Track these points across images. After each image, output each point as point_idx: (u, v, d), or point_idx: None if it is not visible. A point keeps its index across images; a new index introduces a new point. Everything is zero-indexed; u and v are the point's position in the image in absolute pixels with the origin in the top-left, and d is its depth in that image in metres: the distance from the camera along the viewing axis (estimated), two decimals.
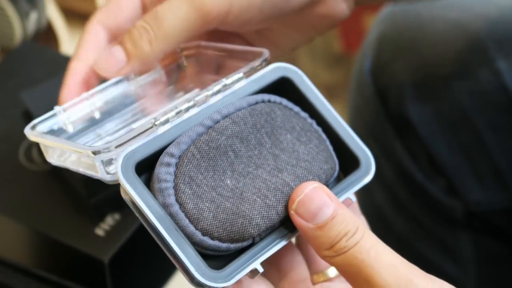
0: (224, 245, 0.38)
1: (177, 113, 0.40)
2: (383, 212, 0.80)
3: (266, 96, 0.42)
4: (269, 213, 0.38)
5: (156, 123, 0.39)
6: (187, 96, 0.48)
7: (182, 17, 0.44)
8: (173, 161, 0.38)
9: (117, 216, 0.60)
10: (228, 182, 0.39)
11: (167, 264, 0.60)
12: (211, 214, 0.38)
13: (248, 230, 0.38)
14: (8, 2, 0.77)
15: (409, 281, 0.35)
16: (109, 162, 0.39)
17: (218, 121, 0.40)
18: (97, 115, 0.47)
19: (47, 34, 0.84)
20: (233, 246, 0.38)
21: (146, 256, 0.62)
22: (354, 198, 0.42)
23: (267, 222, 0.38)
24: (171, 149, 0.38)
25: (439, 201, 0.72)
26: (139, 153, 0.38)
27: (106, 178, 0.39)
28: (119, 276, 0.59)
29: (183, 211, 0.38)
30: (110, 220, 0.60)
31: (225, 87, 0.42)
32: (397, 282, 0.35)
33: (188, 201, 0.38)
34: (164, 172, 0.38)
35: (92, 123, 0.47)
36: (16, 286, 0.59)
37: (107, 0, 0.49)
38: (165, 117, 0.39)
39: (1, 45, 0.81)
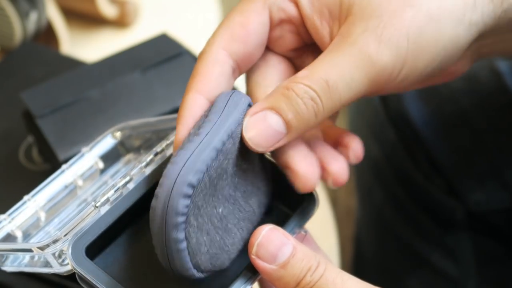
0: (202, 276, 0.38)
1: (115, 191, 0.40)
2: (382, 213, 0.80)
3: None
4: (244, 247, 0.39)
5: (97, 205, 0.39)
6: (123, 172, 0.48)
7: (356, 87, 0.38)
8: (191, 192, 0.36)
9: None
10: (220, 210, 0.39)
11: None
12: (206, 248, 0.37)
13: (225, 264, 0.39)
14: (8, 2, 0.77)
15: None
16: (60, 254, 0.39)
17: (224, 143, 0.37)
18: (42, 215, 0.47)
19: (47, 34, 0.84)
20: (204, 275, 0.38)
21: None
22: (306, 230, 0.42)
23: (240, 255, 0.40)
24: (191, 178, 0.35)
25: (439, 201, 0.72)
26: (86, 238, 0.38)
27: (63, 270, 0.39)
28: None
29: (187, 247, 0.37)
30: None
31: (157, 155, 0.42)
32: None
33: (193, 235, 0.37)
34: (183, 205, 0.35)
35: (39, 223, 0.47)
36: (16, 286, 0.59)
37: (227, 20, 0.42)
38: (105, 198, 0.39)
39: (1, 45, 0.81)
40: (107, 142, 0.50)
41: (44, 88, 0.62)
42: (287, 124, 0.38)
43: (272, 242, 0.37)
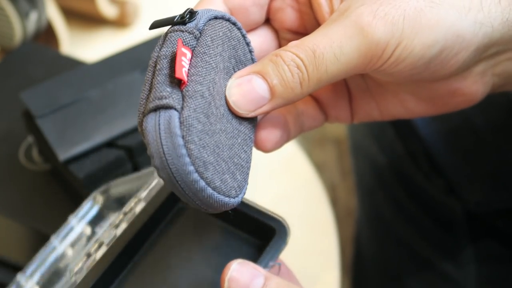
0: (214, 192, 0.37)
1: (89, 257, 0.40)
2: (382, 213, 0.80)
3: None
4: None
5: (72, 275, 0.40)
6: (96, 238, 0.48)
7: (345, 59, 0.37)
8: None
9: None
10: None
11: None
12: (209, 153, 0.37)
13: (239, 180, 0.39)
14: (8, 2, 0.77)
15: None
16: None
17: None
18: None
19: (47, 34, 0.84)
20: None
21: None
22: (280, 263, 0.42)
23: None
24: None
25: (439, 201, 0.72)
26: None
27: None
28: None
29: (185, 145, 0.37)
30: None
31: (126, 215, 0.42)
32: None
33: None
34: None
35: None
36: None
37: None
38: (79, 266, 0.40)
39: (1, 45, 0.81)
40: (91, 208, 0.52)
41: (44, 88, 0.62)
42: (271, 89, 0.38)
43: (242, 276, 0.37)
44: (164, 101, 0.35)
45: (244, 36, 0.40)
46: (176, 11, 1.05)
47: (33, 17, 0.79)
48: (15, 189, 0.62)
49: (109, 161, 0.58)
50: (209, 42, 0.37)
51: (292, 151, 0.77)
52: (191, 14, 0.38)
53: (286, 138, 0.44)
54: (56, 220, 0.60)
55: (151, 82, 0.36)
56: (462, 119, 0.70)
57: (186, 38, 0.37)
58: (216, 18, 0.39)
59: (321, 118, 0.47)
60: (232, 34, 0.39)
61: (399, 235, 0.77)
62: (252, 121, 0.40)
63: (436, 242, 0.74)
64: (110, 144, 0.59)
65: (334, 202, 1.43)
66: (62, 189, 0.61)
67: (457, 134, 0.71)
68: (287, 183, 0.74)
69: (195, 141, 0.35)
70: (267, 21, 0.44)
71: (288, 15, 0.43)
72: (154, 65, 0.37)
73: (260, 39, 0.44)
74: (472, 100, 0.45)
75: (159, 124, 0.34)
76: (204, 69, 0.36)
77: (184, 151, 0.34)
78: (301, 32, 0.44)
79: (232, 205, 0.37)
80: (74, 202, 0.60)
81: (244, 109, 0.38)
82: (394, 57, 0.38)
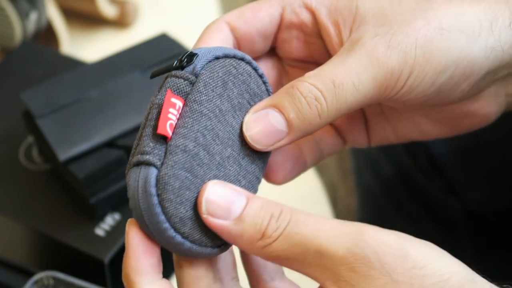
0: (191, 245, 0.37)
1: None
2: (382, 213, 0.80)
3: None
4: None
5: None
6: None
7: (363, 89, 0.37)
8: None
9: (117, 216, 0.60)
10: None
11: (166, 263, 0.60)
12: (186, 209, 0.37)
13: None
14: (8, 2, 0.77)
15: (360, 232, 0.33)
16: None
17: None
18: None
19: (47, 34, 0.84)
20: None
21: None
22: None
23: None
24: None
25: (439, 201, 0.72)
26: None
27: None
28: (119, 276, 0.59)
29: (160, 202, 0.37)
30: (110, 220, 0.60)
31: None
32: (350, 239, 0.33)
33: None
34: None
35: None
36: (16, 286, 0.59)
37: (241, 6, 0.42)
38: None
39: (1, 45, 0.81)
40: None
41: (44, 88, 0.62)
42: (289, 123, 0.37)
43: (222, 196, 0.35)
44: (145, 157, 0.35)
45: (255, 69, 0.40)
46: (176, 11, 1.05)
47: (33, 17, 0.79)
48: (15, 189, 0.62)
49: (109, 161, 0.58)
50: (201, 88, 0.37)
51: None
52: (190, 57, 0.38)
53: (300, 168, 0.44)
54: (56, 220, 0.60)
55: (141, 133, 0.36)
56: None
57: (180, 85, 0.37)
58: (217, 58, 0.38)
59: (340, 143, 0.47)
60: (240, 70, 0.39)
61: None
62: (265, 160, 0.40)
63: (436, 242, 0.74)
64: (110, 144, 0.59)
65: (334, 202, 1.43)
66: (62, 189, 0.61)
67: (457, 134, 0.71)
68: (287, 183, 0.74)
69: (170, 199, 0.35)
70: (272, 49, 0.44)
71: (294, 46, 0.44)
72: (148, 112, 0.37)
73: (264, 66, 0.44)
74: (487, 121, 0.45)
75: (138, 181, 0.35)
76: (191, 119, 0.36)
77: (158, 209, 0.34)
78: (308, 61, 0.44)
79: (219, 253, 0.37)
80: (74, 202, 0.61)
81: (262, 144, 0.37)
82: (407, 86, 0.39)
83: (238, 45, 0.42)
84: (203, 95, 0.37)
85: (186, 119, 0.36)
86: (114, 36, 0.92)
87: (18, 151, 0.64)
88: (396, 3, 0.40)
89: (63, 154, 0.57)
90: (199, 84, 0.37)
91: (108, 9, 0.90)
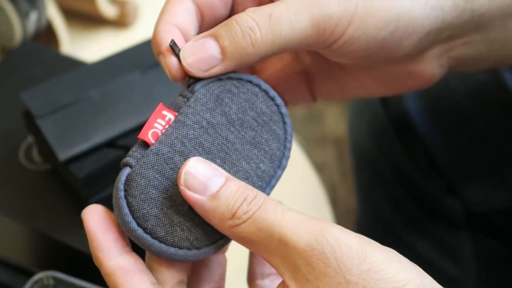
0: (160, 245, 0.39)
1: None
2: (382, 213, 0.80)
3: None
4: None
5: None
6: None
7: (300, 27, 0.39)
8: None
9: None
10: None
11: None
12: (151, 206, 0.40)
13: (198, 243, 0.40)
14: (8, 2, 0.77)
15: (323, 229, 0.34)
16: None
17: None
18: None
19: (47, 34, 0.84)
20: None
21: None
22: None
23: None
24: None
25: (439, 201, 0.72)
26: None
27: None
28: None
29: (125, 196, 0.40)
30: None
31: None
32: (312, 234, 0.34)
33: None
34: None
35: None
36: (16, 286, 0.59)
37: None
38: None
39: (1, 45, 0.81)
40: None
41: (44, 88, 0.62)
42: (223, 50, 0.39)
43: (201, 171, 0.36)
44: (125, 159, 0.39)
45: (266, 91, 0.41)
46: None
47: (33, 17, 0.79)
48: (15, 189, 0.62)
49: (109, 161, 0.58)
50: (190, 102, 0.39)
51: (292, 151, 0.77)
52: (195, 78, 0.40)
53: None
54: (56, 220, 0.60)
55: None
56: (462, 118, 0.70)
57: (178, 101, 0.40)
58: (220, 79, 0.40)
59: None
60: (243, 89, 0.40)
61: (398, 234, 0.77)
62: (266, 179, 0.41)
63: (436, 242, 0.74)
64: (110, 144, 0.59)
65: (334, 202, 1.43)
66: (62, 189, 0.61)
67: (457, 134, 0.71)
68: (287, 183, 0.74)
69: (134, 194, 0.38)
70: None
71: (249, 7, 0.44)
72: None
73: None
74: (429, 82, 0.47)
75: (116, 180, 0.39)
76: (172, 128, 0.39)
77: (123, 202, 0.38)
78: None
79: (186, 256, 0.38)
80: (74, 202, 0.61)
81: (196, 68, 0.39)
82: (347, 35, 0.40)
83: (201, 13, 0.43)
84: (190, 108, 0.39)
85: (168, 128, 0.39)
86: (114, 36, 0.92)
87: (18, 151, 0.64)
88: None
89: (63, 154, 0.57)
90: (191, 99, 0.39)
91: (108, 9, 0.90)
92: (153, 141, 0.38)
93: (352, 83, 0.48)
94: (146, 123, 0.38)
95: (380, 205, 0.80)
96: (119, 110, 0.61)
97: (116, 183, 0.38)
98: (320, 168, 1.45)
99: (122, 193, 0.38)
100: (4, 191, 0.61)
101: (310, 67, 0.49)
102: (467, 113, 0.70)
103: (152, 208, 0.37)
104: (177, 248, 0.37)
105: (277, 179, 0.41)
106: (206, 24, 0.44)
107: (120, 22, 0.92)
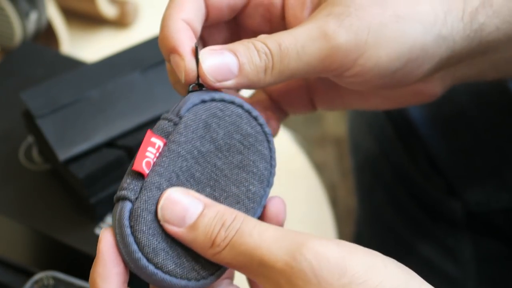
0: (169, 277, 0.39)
1: None
2: (382, 213, 0.80)
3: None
4: None
5: None
6: None
7: (307, 59, 0.40)
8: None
9: None
10: None
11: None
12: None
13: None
14: (8, 2, 0.77)
15: (301, 245, 0.34)
16: None
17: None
18: None
19: (47, 34, 0.84)
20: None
21: None
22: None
23: None
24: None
25: (439, 201, 0.72)
26: None
27: None
28: None
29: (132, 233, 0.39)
30: (110, 220, 0.60)
31: None
32: (289, 252, 0.34)
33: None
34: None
35: None
36: (16, 286, 0.59)
37: None
38: None
39: (1, 45, 0.81)
40: None
41: (44, 88, 0.62)
42: (240, 66, 0.39)
43: (178, 204, 0.36)
44: (122, 193, 0.38)
45: (248, 111, 0.41)
46: None
47: (33, 17, 0.79)
48: (15, 189, 0.62)
49: (109, 161, 0.58)
50: (181, 130, 0.39)
51: (292, 151, 0.77)
52: (199, 87, 0.40)
53: None
54: (56, 220, 0.60)
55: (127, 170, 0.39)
56: (462, 118, 0.70)
57: (164, 126, 0.39)
58: (203, 101, 0.40)
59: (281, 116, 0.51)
60: (227, 112, 0.40)
61: (398, 234, 0.77)
62: (254, 201, 0.40)
63: (436, 242, 0.74)
64: (110, 144, 0.59)
65: (334, 202, 1.43)
66: (62, 189, 0.61)
67: (457, 134, 0.71)
68: (287, 183, 0.74)
69: (142, 230, 0.37)
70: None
71: (257, 22, 0.46)
72: (136, 151, 0.39)
73: (219, 28, 0.47)
74: (432, 98, 0.48)
75: (116, 214, 0.37)
76: (168, 159, 0.38)
77: (131, 239, 0.37)
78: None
79: (195, 286, 0.38)
80: (74, 202, 0.60)
81: (212, 76, 0.39)
82: (358, 67, 0.41)
83: (207, 14, 0.43)
84: (182, 136, 0.39)
85: (164, 159, 0.38)
86: (114, 36, 0.92)
87: (18, 151, 0.64)
88: None
89: (63, 154, 0.57)
90: (180, 126, 0.39)
91: (108, 9, 0.90)
92: (147, 171, 0.38)
93: (355, 98, 0.49)
94: (138, 153, 0.38)
95: (380, 205, 0.80)
96: (119, 110, 0.61)
97: (120, 219, 0.37)
98: (320, 168, 1.45)
99: (128, 230, 0.37)
100: (4, 191, 0.61)
101: (314, 80, 0.49)
102: (468, 114, 0.70)
103: (160, 242, 0.37)
104: (186, 280, 0.37)
105: (267, 197, 0.41)
106: (206, 26, 0.44)
107: (120, 22, 0.92)
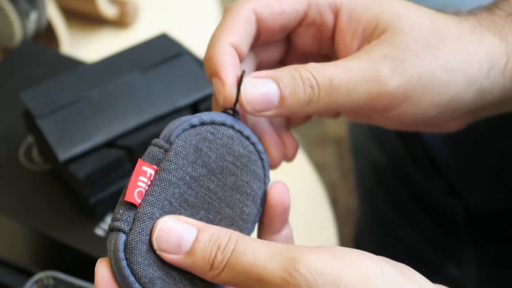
0: None
1: None
2: (383, 213, 0.80)
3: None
4: None
5: None
6: None
7: (355, 98, 0.40)
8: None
9: None
10: None
11: None
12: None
13: None
14: (8, 2, 0.77)
15: (294, 261, 0.34)
16: None
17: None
18: None
19: (47, 34, 0.84)
20: None
21: None
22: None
23: None
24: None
25: (439, 202, 0.72)
26: None
27: None
28: None
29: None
30: (110, 220, 0.60)
31: None
32: (284, 268, 0.34)
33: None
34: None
35: None
36: (16, 286, 0.59)
37: None
38: None
39: (1, 45, 0.81)
40: None
41: (44, 88, 0.62)
42: (282, 97, 0.39)
43: (171, 232, 0.37)
44: (115, 224, 0.38)
45: (240, 131, 0.41)
46: (176, 11, 1.05)
47: (33, 17, 0.79)
48: (15, 189, 0.62)
49: (109, 161, 0.58)
50: (171, 157, 0.39)
51: None
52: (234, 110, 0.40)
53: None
54: (56, 220, 0.60)
55: (119, 199, 0.39)
56: None
57: (154, 153, 0.39)
58: (193, 126, 0.40)
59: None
60: (218, 135, 0.40)
61: (399, 235, 0.77)
62: (248, 222, 0.41)
63: (436, 242, 0.74)
64: (110, 144, 0.59)
65: (334, 202, 1.43)
66: (62, 189, 0.61)
67: (457, 134, 0.71)
68: (287, 183, 0.74)
69: (138, 262, 0.37)
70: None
71: (308, 43, 0.45)
72: (129, 179, 0.39)
73: (271, 46, 0.46)
74: (452, 131, 0.49)
75: (110, 246, 0.37)
76: (159, 188, 0.38)
77: (128, 272, 0.37)
78: (314, 54, 0.46)
79: None
80: (74, 202, 0.60)
81: (252, 107, 0.39)
82: (400, 110, 0.41)
83: (258, 34, 0.43)
84: (172, 164, 0.39)
85: (155, 187, 0.38)
86: (114, 36, 0.92)
87: (18, 151, 0.64)
88: (416, 28, 0.42)
89: (63, 154, 0.57)
90: (170, 153, 0.39)
91: (108, 9, 0.90)
92: (139, 201, 0.38)
93: (376, 122, 0.49)
94: (129, 184, 0.38)
95: (380, 205, 0.80)
96: (119, 110, 0.61)
97: (115, 252, 0.37)
98: (320, 168, 1.45)
99: (124, 262, 0.37)
100: (4, 191, 0.61)
101: None
102: None
103: (156, 271, 0.37)
104: None
105: (260, 214, 0.41)
106: (256, 45, 0.44)
107: (120, 22, 0.92)
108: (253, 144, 0.41)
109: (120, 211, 0.38)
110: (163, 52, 0.65)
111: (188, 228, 0.37)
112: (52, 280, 0.55)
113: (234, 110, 0.40)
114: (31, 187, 0.62)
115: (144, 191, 0.38)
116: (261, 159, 0.41)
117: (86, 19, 0.92)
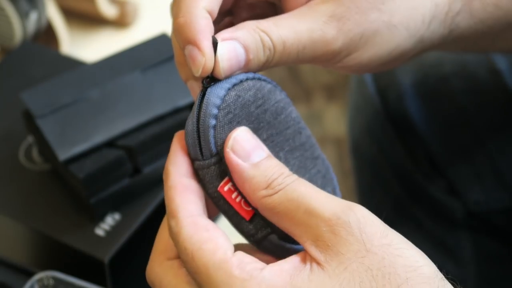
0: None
1: None
2: (382, 212, 0.80)
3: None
4: None
5: None
6: None
7: (303, 58, 0.42)
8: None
9: (117, 216, 0.60)
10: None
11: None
12: None
13: None
14: (8, 2, 0.77)
15: (352, 205, 0.36)
16: None
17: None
18: None
19: (47, 34, 0.84)
20: None
21: (146, 256, 0.63)
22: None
23: None
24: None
25: (439, 201, 0.72)
26: None
27: None
28: (119, 276, 0.59)
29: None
30: (110, 220, 0.60)
31: None
32: (339, 206, 0.35)
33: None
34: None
35: None
36: (16, 286, 0.59)
37: None
38: None
39: (1, 45, 0.81)
40: None
41: (44, 88, 0.62)
42: (247, 61, 0.41)
43: (249, 141, 0.38)
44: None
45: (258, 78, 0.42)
46: None
47: (33, 17, 0.79)
48: (15, 189, 0.62)
49: (109, 161, 0.58)
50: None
51: None
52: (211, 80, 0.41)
53: None
54: (56, 220, 0.60)
55: (234, 223, 0.39)
56: (462, 118, 0.70)
57: (214, 172, 0.39)
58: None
59: None
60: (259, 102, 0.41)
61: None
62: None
63: (436, 241, 0.74)
64: (110, 144, 0.59)
65: None
66: (62, 189, 0.61)
67: (457, 134, 0.71)
68: None
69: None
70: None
71: None
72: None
73: None
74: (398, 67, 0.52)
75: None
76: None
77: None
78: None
79: None
80: (74, 202, 0.61)
81: (225, 73, 0.40)
82: (342, 63, 0.44)
83: None
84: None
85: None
86: (114, 36, 0.92)
87: (18, 151, 0.64)
88: None
89: (63, 154, 0.57)
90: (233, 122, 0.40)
91: (108, 9, 0.90)
92: (248, 208, 0.39)
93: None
94: (235, 207, 0.39)
95: (380, 204, 0.80)
96: (119, 110, 0.61)
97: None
98: None
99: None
100: (4, 191, 0.61)
101: None
102: (467, 112, 0.70)
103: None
104: None
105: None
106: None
107: (120, 22, 0.92)
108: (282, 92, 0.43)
109: (251, 227, 0.39)
110: (163, 52, 0.65)
111: (261, 146, 0.38)
112: (52, 280, 0.56)
113: (211, 77, 0.40)
114: (31, 187, 0.62)
115: (237, 192, 0.39)
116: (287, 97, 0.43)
117: (86, 19, 0.92)
